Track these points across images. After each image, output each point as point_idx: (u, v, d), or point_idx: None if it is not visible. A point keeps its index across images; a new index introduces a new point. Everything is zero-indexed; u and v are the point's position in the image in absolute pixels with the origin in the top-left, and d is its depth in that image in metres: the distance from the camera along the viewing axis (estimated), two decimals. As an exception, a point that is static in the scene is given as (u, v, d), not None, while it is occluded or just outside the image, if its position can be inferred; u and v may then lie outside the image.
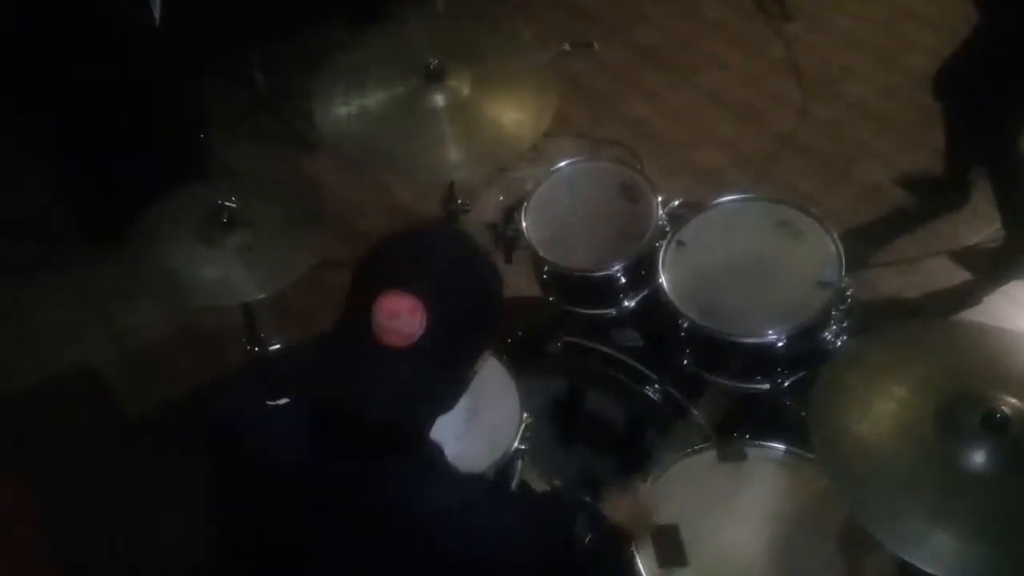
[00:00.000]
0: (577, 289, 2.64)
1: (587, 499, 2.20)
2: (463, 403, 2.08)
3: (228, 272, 2.50)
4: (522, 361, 2.38)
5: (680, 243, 2.54)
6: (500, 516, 1.46)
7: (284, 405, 1.49)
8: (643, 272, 2.55)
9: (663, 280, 2.47)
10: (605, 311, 2.63)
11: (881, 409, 1.84)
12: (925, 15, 4.65)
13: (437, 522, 1.39)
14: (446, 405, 1.46)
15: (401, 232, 1.48)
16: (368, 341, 1.36)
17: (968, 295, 3.46)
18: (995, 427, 1.69)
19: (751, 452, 2.15)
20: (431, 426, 1.47)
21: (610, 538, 1.84)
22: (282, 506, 1.45)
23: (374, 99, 2.66)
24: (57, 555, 2.84)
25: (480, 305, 1.44)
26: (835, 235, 2.47)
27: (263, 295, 2.52)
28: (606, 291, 2.59)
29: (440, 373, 1.40)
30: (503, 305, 1.50)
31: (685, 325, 2.40)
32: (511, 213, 2.77)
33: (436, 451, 1.48)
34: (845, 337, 2.41)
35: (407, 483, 1.40)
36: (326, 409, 1.41)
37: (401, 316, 1.34)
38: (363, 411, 1.37)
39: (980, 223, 3.63)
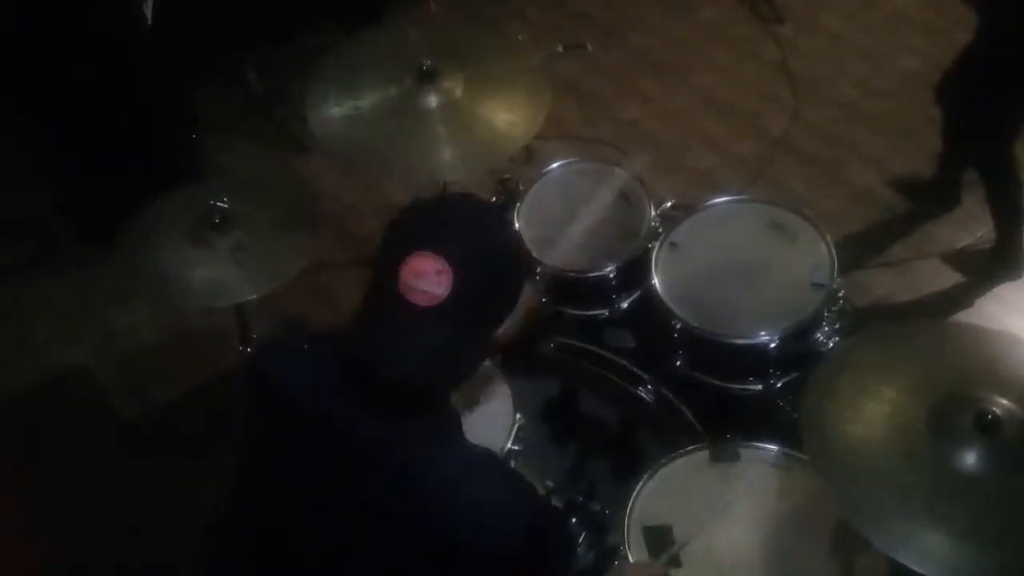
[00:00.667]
0: (570, 290, 2.64)
1: (580, 500, 2.21)
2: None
3: (221, 273, 2.50)
4: (515, 362, 2.38)
5: (673, 244, 2.55)
6: (504, 489, 1.47)
7: (318, 351, 1.54)
8: (636, 273, 2.56)
9: (656, 281, 2.47)
10: (598, 312, 2.64)
11: (873, 410, 1.84)
12: (917, 18, 4.66)
13: (442, 484, 1.41)
14: (466, 369, 1.50)
15: (429, 198, 1.55)
16: (395, 300, 1.40)
17: (960, 297, 3.47)
18: (987, 428, 1.69)
19: (743, 453, 2.15)
20: (451, 391, 1.52)
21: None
22: (299, 449, 1.49)
23: (367, 100, 2.65)
24: (55, 554, 2.84)
25: (502, 271, 1.48)
26: (827, 237, 2.48)
27: (256, 296, 2.51)
28: (599, 292, 2.60)
29: (462, 334, 1.43)
30: (523, 274, 1.54)
31: (678, 326, 2.41)
32: (504, 214, 2.77)
33: (454, 418, 1.53)
34: (837, 338, 2.41)
35: (421, 442, 1.44)
36: (353, 363, 1.45)
37: (428, 276, 1.39)
38: (388, 367, 1.42)
39: (972, 225, 3.64)
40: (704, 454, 2.17)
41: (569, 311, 2.68)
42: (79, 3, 3.28)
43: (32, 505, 2.94)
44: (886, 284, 3.52)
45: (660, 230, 2.58)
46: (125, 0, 3.41)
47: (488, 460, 1.52)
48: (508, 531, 1.41)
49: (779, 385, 2.43)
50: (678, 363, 2.48)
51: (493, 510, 1.42)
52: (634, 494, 2.08)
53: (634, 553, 1.96)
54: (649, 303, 2.49)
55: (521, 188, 2.76)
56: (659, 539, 1.99)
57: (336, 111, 2.66)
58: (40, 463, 3.10)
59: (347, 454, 1.44)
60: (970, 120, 3.37)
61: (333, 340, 1.53)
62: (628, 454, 2.51)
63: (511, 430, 2.22)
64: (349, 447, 1.44)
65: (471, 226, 1.48)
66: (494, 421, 2.23)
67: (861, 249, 3.61)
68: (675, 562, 1.96)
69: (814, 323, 2.39)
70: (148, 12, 3.43)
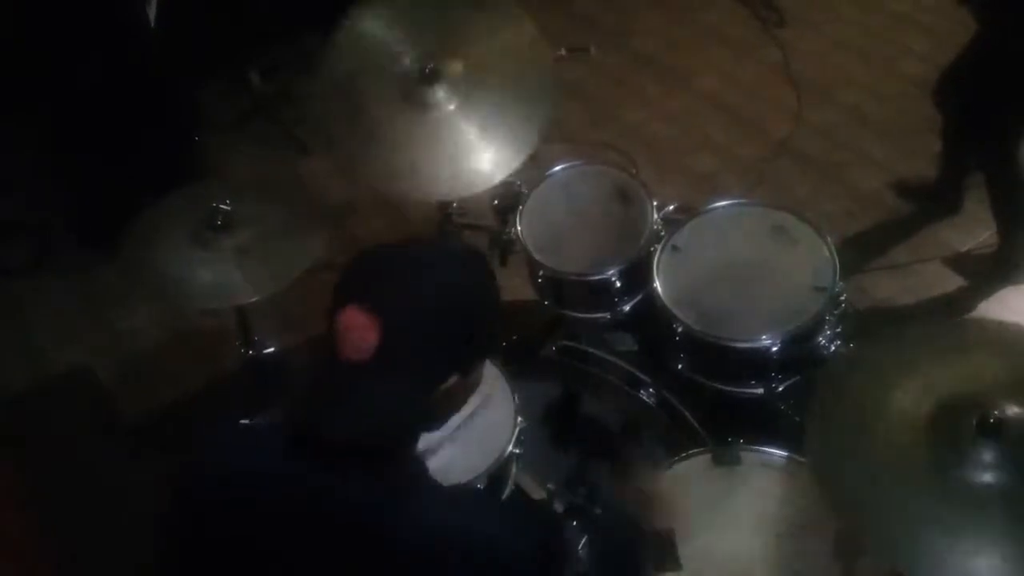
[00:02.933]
0: (572, 293, 2.64)
1: (581, 503, 2.21)
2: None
3: (223, 275, 2.50)
4: (517, 365, 2.38)
5: (675, 248, 2.54)
6: (488, 531, 1.40)
7: (258, 423, 1.49)
8: (638, 276, 2.55)
9: (658, 284, 2.47)
10: (600, 315, 2.63)
11: (876, 414, 1.84)
12: (919, 22, 4.67)
13: (414, 543, 1.35)
14: (411, 422, 1.42)
15: (380, 246, 1.46)
16: (331, 358, 1.36)
17: (962, 301, 3.47)
18: (991, 431, 1.69)
19: (745, 456, 2.15)
20: (406, 444, 1.44)
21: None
22: (254, 526, 1.41)
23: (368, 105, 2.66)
24: (55, 555, 2.83)
25: (443, 320, 1.39)
26: (830, 240, 2.47)
27: (257, 298, 2.51)
28: (601, 295, 2.60)
29: (398, 388, 1.37)
30: (480, 324, 1.45)
31: (680, 329, 2.40)
32: (506, 216, 2.77)
33: (417, 470, 1.44)
34: (839, 342, 2.41)
35: (381, 503, 1.36)
36: (296, 428, 1.39)
37: (357, 329, 1.34)
38: (326, 428, 1.36)
39: (975, 229, 3.64)
40: (706, 458, 2.16)
41: (571, 314, 2.68)
42: (82, 5, 3.28)
43: (32, 505, 2.93)
44: (888, 287, 3.52)
45: (662, 233, 2.58)
46: (128, 2, 3.42)
47: (471, 498, 1.48)
48: (513, 561, 1.37)
49: (781, 389, 2.42)
50: (680, 366, 2.48)
51: (492, 545, 1.37)
52: (636, 497, 2.07)
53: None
54: (651, 306, 2.49)
55: (524, 190, 2.76)
56: (660, 543, 1.99)
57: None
58: (41, 464, 3.09)
59: (312, 530, 1.37)
60: (971, 122, 3.37)
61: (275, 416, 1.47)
62: (630, 457, 2.51)
63: (513, 433, 2.22)
64: (310, 520, 1.37)
65: (408, 274, 1.41)
66: (495, 424, 2.23)
67: (863, 252, 3.61)
68: (676, 566, 1.95)
69: (816, 326, 2.39)
70: (151, 14, 3.44)
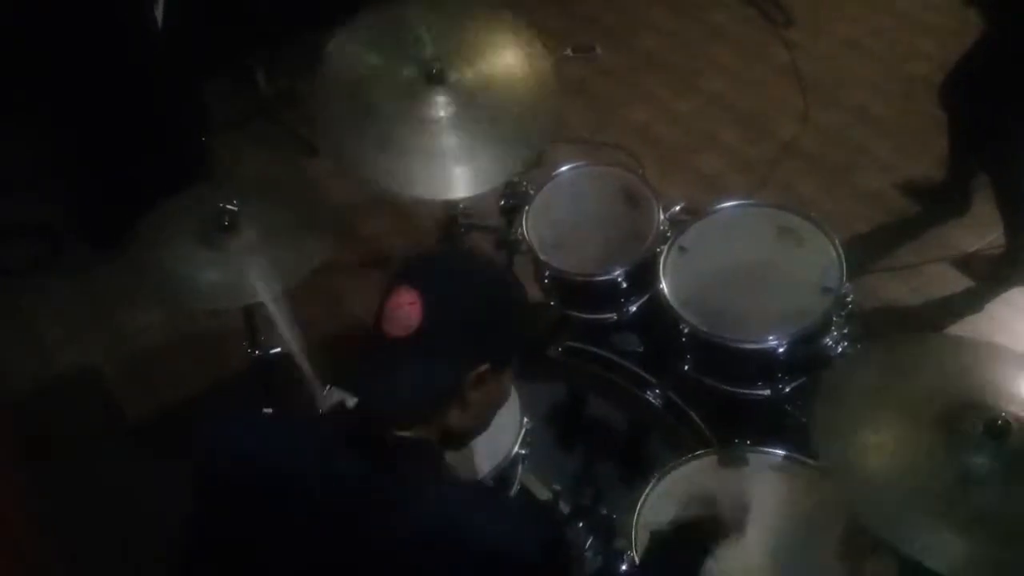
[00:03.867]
0: (578, 294, 2.64)
1: (587, 504, 2.21)
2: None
3: (230, 275, 2.50)
4: (523, 365, 2.37)
5: (681, 248, 2.54)
6: (502, 521, 1.47)
7: (277, 414, 1.60)
8: (644, 277, 2.55)
9: (664, 285, 2.47)
10: (606, 316, 2.63)
11: (884, 417, 1.84)
12: (927, 22, 4.65)
13: (437, 528, 1.41)
14: (444, 400, 1.51)
15: (439, 247, 1.60)
16: (376, 335, 1.48)
17: (969, 302, 3.46)
18: (998, 435, 1.69)
19: (751, 457, 2.15)
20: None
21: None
22: (282, 517, 1.47)
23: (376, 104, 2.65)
24: (58, 555, 2.84)
25: (474, 314, 1.51)
26: (836, 241, 2.47)
27: (262, 300, 2.51)
28: (607, 296, 2.60)
29: (430, 367, 1.47)
30: (511, 320, 1.58)
31: (686, 330, 2.40)
32: (512, 217, 2.77)
33: (436, 456, 1.53)
34: (846, 343, 2.41)
35: (407, 487, 1.44)
36: (338, 406, 1.51)
37: (402, 307, 1.45)
38: (368, 401, 1.49)
39: (981, 230, 3.63)
40: (712, 458, 2.17)
41: (577, 315, 2.67)
42: (90, 5, 3.29)
43: (39, 505, 2.94)
44: (895, 288, 3.51)
45: (668, 234, 2.58)
46: (136, 2, 3.42)
47: (484, 491, 1.56)
48: (523, 558, 1.41)
49: (787, 390, 2.42)
50: (686, 367, 2.48)
51: (502, 540, 1.42)
52: (642, 498, 2.08)
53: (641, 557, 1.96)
54: (657, 307, 2.49)
55: (530, 191, 2.76)
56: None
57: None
58: (48, 464, 3.10)
59: (336, 507, 1.45)
60: (977, 122, 3.36)
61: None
62: (636, 458, 2.51)
63: (519, 434, 2.22)
64: (337, 499, 1.45)
65: (455, 268, 1.59)
66: (502, 425, 2.22)
67: (870, 253, 3.60)
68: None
69: (823, 327, 2.38)
70: (158, 14, 3.44)
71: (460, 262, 1.66)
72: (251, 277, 2.48)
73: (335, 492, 1.45)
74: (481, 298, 1.54)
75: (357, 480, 1.45)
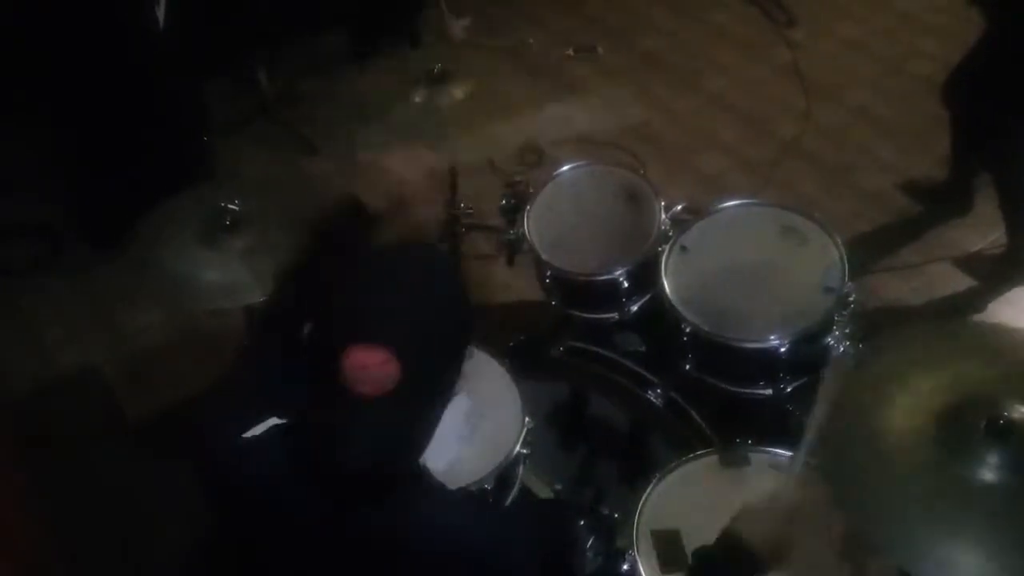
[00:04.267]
0: (579, 293, 2.64)
1: (589, 503, 2.20)
2: (465, 407, 2.08)
3: (230, 274, 2.50)
4: (524, 365, 2.38)
5: (683, 248, 2.54)
6: (493, 535, 1.43)
7: (262, 437, 1.44)
8: (646, 276, 2.55)
9: (666, 285, 2.46)
10: (608, 315, 2.63)
11: (885, 415, 1.83)
12: (929, 22, 4.65)
13: (426, 552, 1.36)
14: (422, 445, 1.42)
15: (357, 263, 1.43)
16: (340, 392, 1.32)
17: (971, 301, 3.46)
18: (1000, 433, 1.68)
19: (753, 457, 2.14)
20: (412, 464, 1.44)
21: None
22: (263, 537, 1.43)
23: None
24: (59, 555, 2.84)
25: (444, 325, 1.40)
26: (838, 241, 2.46)
27: (265, 297, 2.51)
28: (609, 295, 2.59)
29: (417, 412, 1.38)
30: (468, 310, 1.45)
31: (688, 330, 2.40)
32: (514, 216, 2.77)
33: (422, 481, 1.45)
34: (848, 343, 2.40)
35: (392, 518, 1.37)
36: (304, 456, 1.38)
37: (373, 368, 1.30)
38: (344, 460, 1.34)
39: (984, 229, 3.63)
40: (713, 458, 2.16)
41: (578, 314, 2.67)
42: (92, 5, 3.29)
43: (40, 505, 2.94)
44: (897, 288, 3.51)
45: (670, 233, 2.58)
46: (137, 2, 3.42)
47: (468, 509, 1.47)
48: (520, 566, 1.39)
49: (789, 389, 2.42)
50: (688, 367, 2.47)
51: (494, 554, 1.38)
52: (643, 498, 2.07)
53: (643, 557, 1.95)
54: (659, 306, 2.48)
55: (531, 191, 2.76)
56: (668, 543, 1.98)
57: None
58: (48, 464, 3.10)
59: (322, 545, 1.37)
60: (979, 122, 3.36)
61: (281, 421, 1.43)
62: (637, 458, 2.51)
63: (520, 434, 2.21)
64: (320, 536, 1.37)
65: (409, 298, 1.38)
66: (503, 424, 2.23)
67: (872, 253, 3.60)
68: (684, 567, 1.95)
69: (825, 327, 2.38)
70: (160, 15, 3.44)
71: (385, 279, 1.41)
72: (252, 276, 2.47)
73: (332, 522, 1.37)
74: (439, 307, 1.40)
75: (354, 509, 1.36)
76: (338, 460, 1.33)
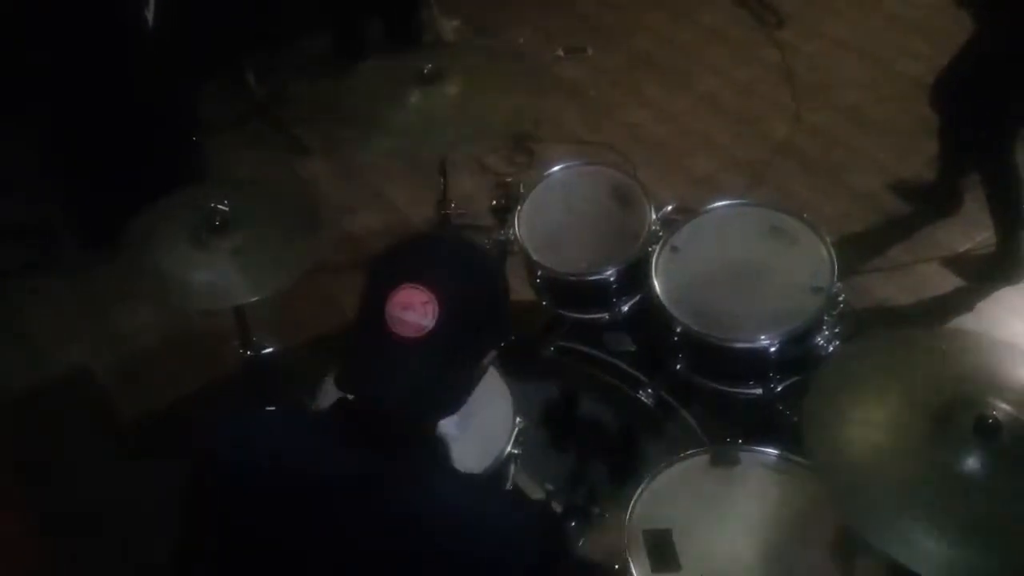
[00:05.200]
0: (570, 293, 2.64)
1: (580, 503, 2.21)
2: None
3: (221, 275, 2.50)
4: (515, 365, 2.38)
5: (673, 248, 2.55)
6: (507, 514, 1.47)
7: (281, 411, 1.53)
8: (636, 277, 2.56)
9: (656, 285, 2.47)
10: (598, 315, 2.64)
11: (874, 414, 1.84)
12: (918, 23, 4.67)
13: (447, 517, 1.41)
14: (454, 400, 1.49)
15: (415, 234, 1.54)
16: (383, 334, 1.41)
17: (960, 301, 3.47)
18: (988, 432, 1.69)
19: (744, 457, 2.15)
20: (437, 423, 1.51)
21: None
22: (287, 510, 1.45)
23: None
24: (54, 555, 2.83)
25: (488, 304, 1.49)
26: (828, 241, 2.48)
27: (256, 298, 2.51)
28: (599, 295, 2.60)
29: (449, 366, 1.44)
30: (509, 308, 1.54)
31: (678, 330, 2.41)
32: (505, 217, 2.78)
33: (443, 448, 1.53)
34: (837, 342, 2.41)
35: (415, 478, 1.43)
36: (339, 404, 1.46)
37: (415, 308, 1.39)
38: (380, 401, 1.42)
39: (972, 230, 3.64)
40: (704, 458, 2.17)
41: (569, 314, 2.68)
42: (81, 8, 3.28)
43: (31, 506, 2.93)
44: (887, 288, 3.52)
45: (661, 234, 2.58)
46: (126, 3, 3.42)
47: (485, 483, 1.53)
48: (524, 549, 1.41)
49: (779, 389, 2.43)
50: (678, 366, 2.48)
51: (507, 532, 1.42)
52: (634, 497, 2.08)
53: (634, 557, 1.96)
54: (649, 306, 2.49)
55: (522, 191, 2.76)
56: (659, 543, 1.99)
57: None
58: (40, 464, 3.09)
59: (347, 507, 1.42)
60: (968, 123, 3.37)
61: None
62: (628, 457, 2.51)
63: (511, 434, 2.22)
64: (346, 497, 1.42)
65: (456, 259, 1.51)
66: (494, 424, 2.23)
67: (862, 253, 3.61)
68: (674, 566, 1.96)
69: (814, 327, 2.39)
70: (149, 15, 3.44)
71: (452, 248, 1.57)
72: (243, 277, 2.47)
73: (337, 488, 1.42)
74: (487, 285, 1.51)
75: (359, 477, 1.41)
76: (376, 396, 1.42)
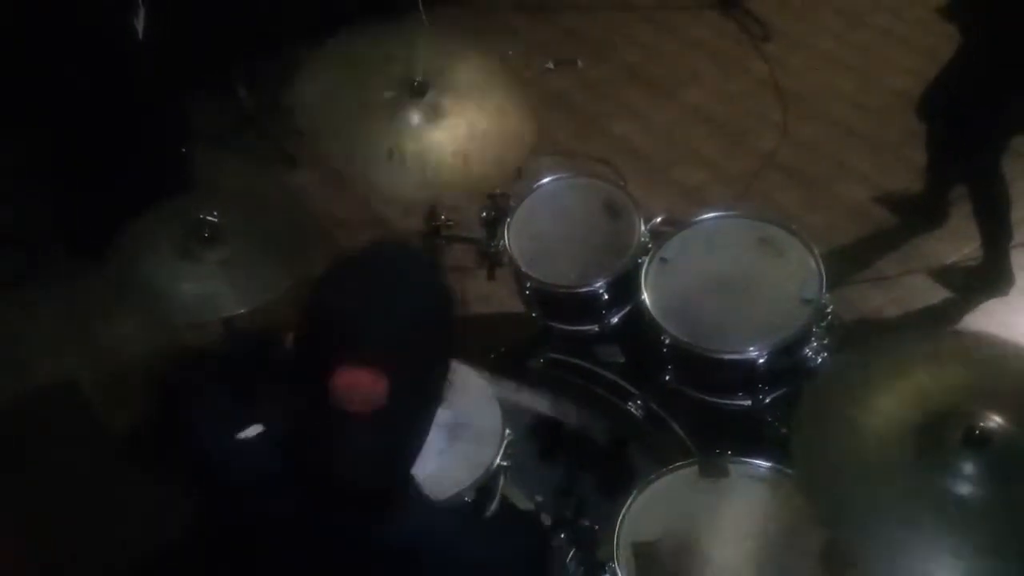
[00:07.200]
0: (560, 305, 2.64)
1: (569, 515, 2.20)
2: (445, 419, 2.08)
3: (209, 287, 2.49)
4: (504, 377, 2.38)
5: (663, 260, 2.55)
6: (479, 545, 1.44)
7: (255, 440, 1.44)
8: (625, 288, 2.56)
9: (645, 296, 2.47)
10: (588, 327, 2.63)
11: (863, 426, 1.84)
12: (904, 36, 4.70)
13: (413, 559, 1.37)
14: (415, 456, 1.42)
15: (341, 272, 1.39)
16: (332, 414, 1.30)
17: (947, 313, 3.49)
18: (976, 444, 1.70)
19: (733, 468, 2.15)
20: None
21: None
22: (254, 535, 1.44)
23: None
24: (43, 568, 2.82)
25: (434, 335, 1.39)
26: (816, 252, 2.48)
27: (244, 310, 2.50)
28: (589, 307, 2.60)
29: (406, 427, 1.38)
30: (455, 316, 1.43)
31: (667, 341, 2.41)
32: (494, 229, 2.77)
33: (409, 489, 1.45)
34: (826, 354, 2.42)
35: (380, 526, 1.38)
36: (299, 467, 1.39)
37: (362, 388, 1.28)
38: (336, 478, 1.35)
39: (959, 241, 3.66)
40: (693, 469, 2.17)
41: (558, 326, 2.68)
42: (70, 17, 3.28)
43: (19, 518, 2.92)
44: (874, 299, 3.54)
45: (650, 245, 2.59)
46: (116, 14, 3.41)
47: (455, 518, 1.49)
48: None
49: (768, 400, 2.43)
50: (667, 378, 2.48)
51: (475, 558, 1.39)
52: (623, 510, 2.07)
53: (623, 569, 1.96)
54: (639, 318, 2.49)
55: (512, 203, 2.76)
56: (648, 555, 1.99)
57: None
58: (27, 476, 3.08)
59: (314, 551, 1.38)
60: (955, 135, 3.39)
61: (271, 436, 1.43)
62: (617, 469, 2.51)
63: (500, 445, 2.21)
64: (312, 541, 1.38)
65: (387, 309, 1.34)
66: (483, 437, 2.23)
67: (850, 264, 3.62)
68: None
69: (803, 338, 2.39)
70: (139, 25, 3.43)
71: (378, 293, 1.35)
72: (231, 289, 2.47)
73: (318, 527, 1.37)
74: (428, 319, 1.37)
75: (331, 517, 1.37)
76: (335, 475, 1.34)
